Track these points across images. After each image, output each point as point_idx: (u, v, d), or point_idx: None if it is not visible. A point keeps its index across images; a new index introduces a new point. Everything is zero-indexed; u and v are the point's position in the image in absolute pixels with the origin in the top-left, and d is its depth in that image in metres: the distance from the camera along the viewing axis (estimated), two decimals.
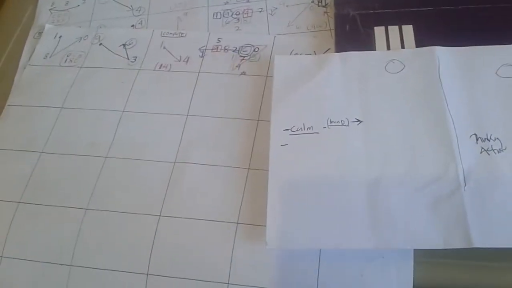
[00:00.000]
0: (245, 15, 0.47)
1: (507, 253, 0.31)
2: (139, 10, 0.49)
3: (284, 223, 0.33)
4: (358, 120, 0.36)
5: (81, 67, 0.45)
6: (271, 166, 0.35)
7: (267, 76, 0.41)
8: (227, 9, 0.47)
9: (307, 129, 0.36)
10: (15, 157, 0.40)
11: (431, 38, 0.39)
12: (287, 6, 0.46)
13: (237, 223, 0.34)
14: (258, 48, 0.44)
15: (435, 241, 0.31)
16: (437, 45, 0.38)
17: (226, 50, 0.44)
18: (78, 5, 0.51)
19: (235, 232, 0.34)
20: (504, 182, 0.32)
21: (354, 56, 0.39)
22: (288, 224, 0.33)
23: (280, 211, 0.33)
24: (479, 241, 0.30)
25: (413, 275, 0.31)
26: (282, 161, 0.35)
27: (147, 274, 0.34)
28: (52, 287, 0.34)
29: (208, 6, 0.48)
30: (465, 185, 0.32)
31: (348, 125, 0.36)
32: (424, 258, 0.32)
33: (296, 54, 0.43)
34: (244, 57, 0.43)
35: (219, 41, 0.45)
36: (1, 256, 0.36)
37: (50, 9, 0.51)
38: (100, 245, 0.35)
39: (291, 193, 0.34)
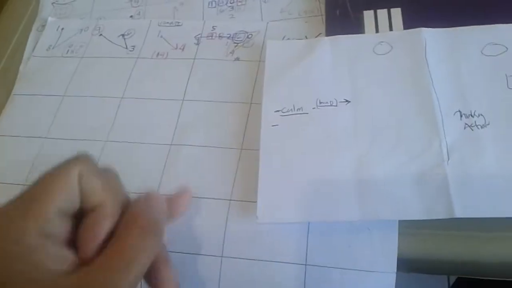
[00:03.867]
0: (239, 3, 0.48)
1: (490, 223, 0.32)
2: (137, 1, 0.51)
3: (274, 198, 0.34)
4: (346, 100, 0.37)
5: (82, 57, 0.47)
6: (262, 145, 0.36)
7: (259, 61, 0.43)
8: None
9: (297, 110, 0.38)
10: (21, 142, 0.42)
11: (419, 20, 0.40)
12: None
13: (230, 200, 0.36)
14: (252, 35, 0.45)
15: (418, 213, 0.32)
16: (424, 27, 0.39)
17: (220, 37, 0.46)
18: None
19: (228, 208, 0.35)
20: (486, 156, 0.33)
21: (344, 39, 0.41)
22: (278, 199, 0.34)
23: (270, 187, 0.34)
24: (461, 212, 0.31)
25: (398, 246, 0.32)
26: (273, 140, 0.36)
27: None
28: None
29: None
30: (449, 159, 0.34)
31: (336, 105, 0.37)
32: (409, 229, 0.33)
33: (288, 39, 0.44)
34: (238, 43, 0.45)
35: (214, 28, 0.46)
36: None
37: (52, 3, 0.53)
38: None
39: (281, 170, 0.35)
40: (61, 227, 0.26)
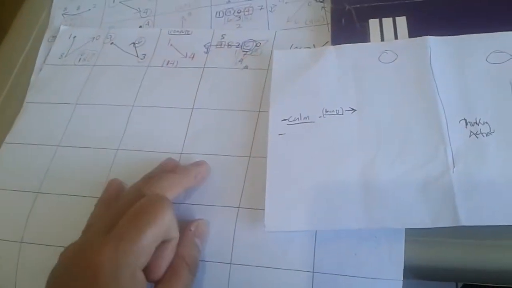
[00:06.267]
0: (246, 13, 0.49)
1: (497, 231, 0.32)
2: (146, 12, 0.52)
3: (281, 207, 0.35)
4: (352, 109, 0.38)
5: (94, 65, 0.48)
6: (269, 154, 0.37)
7: (268, 69, 0.43)
8: (229, 8, 0.49)
9: (304, 118, 0.38)
10: (34, 150, 0.43)
11: (424, 29, 0.41)
12: (286, 3, 0.48)
13: (238, 207, 0.36)
14: (260, 43, 0.46)
15: (424, 221, 0.32)
16: (430, 35, 0.40)
17: (229, 46, 0.46)
18: (89, 9, 0.54)
19: (237, 216, 0.36)
20: (491, 163, 0.34)
21: (349, 48, 0.41)
22: (285, 208, 0.35)
23: (278, 196, 0.35)
24: (466, 220, 0.32)
25: (404, 254, 0.33)
26: (280, 149, 0.37)
27: None
28: None
29: (211, 6, 0.50)
30: (454, 167, 0.34)
31: (342, 114, 0.38)
32: (416, 237, 0.33)
33: (296, 47, 0.45)
34: (247, 52, 0.45)
35: (223, 37, 0.47)
36: (21, 242, 0.39)
37: (63, 14, 0.54)
38: None
39: (288, 179, 0.36)
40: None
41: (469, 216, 0.32)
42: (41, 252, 0.38)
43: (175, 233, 0.32)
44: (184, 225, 0.34)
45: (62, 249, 0.37)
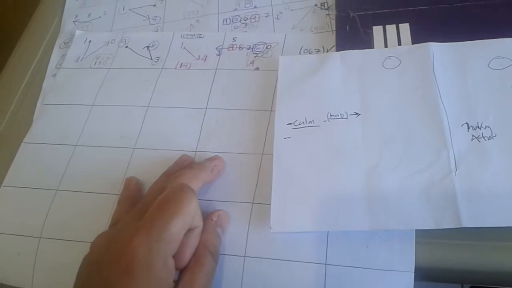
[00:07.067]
0: (252, 20, 0.50)
1: (503, 233, 0.33)
2: (155, 19, 0.53)
3: (287, 208, 0.36)
4: (356, 113, 0.39)
5: (109, 68, 0.49)
6: (275, 157, 0.38)
7: (278, 70, 0.45)
8: (236, 15, 0.51)
9: (309, 122, 0.39)
10: (53, 150, 0.44)
11: (427, 35, 0.41)
12: (291, 10, 0.50)
13: (252, 203, 0.37)
14: (271, 46, 0.47)
15: (426, 222, 0.33)
16: (432, 41, 0.41)
17: (240, 48, 0.48)
18: (99, 17, 0.55)
19: (251, 211, 0.37)
20: (493, 167, 0.34)
21: (353, 54, 0.42)
22: (291, 209, 0.35)
23: (283, 198, 0.36)
24: (468, 222, 0.32)
25: (415, 246, 0.34)
26: (286, 152, 0.38)
27: None
28: None
29: (218, 13, 0.52)
30: (456, 170, 0.35)
31: (347, 118, 0.39)
32: (424, 238, 0.34)
33: (306, 49, 0.46)
34: (258, 54, 0.47)
35: (234, 40, 0.48)
36: (40, 237, 0.40)
37: (74, 21, 0.56)
38: None
39: (294, 182, 0.37)
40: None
41: (471, 218, 0.33)
42: (59, 247, 0.39)
43: (199, 222, 0.33)
44: (205, 215, 0.35)
45: (79, 244, 0.39)
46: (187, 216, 0.31)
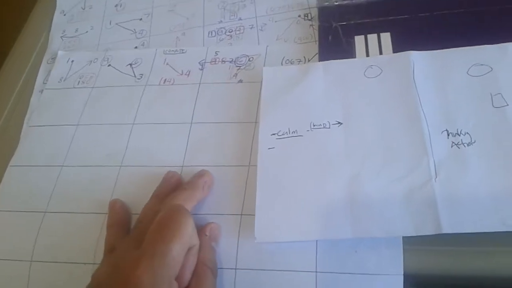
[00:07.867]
0: (237, 32, 0.51)
1: (491, 239, 0.33)
2: (141, 33, 0.54)
3: (271, 219, 0.36)
4: (339, 122, 0.39)
5: (93, 87, 0.49)
6: (259, 168, 0.38)
7: (261, 82, 0.45)
8: (221, 28, 0.52)
9: (292, 132, 0.40)
10: (39, 172, 0.44)
11: (408, 43, 0.42)
12: (275, 21, 0.50)
13: (241, 214, 0.38)
14: (253, 58, 0.48)
15: (407, 229, 0.33)
16: (413, 50, 0.41)
17: (223, 62, 0.48)
18: (87, 31, 0.56)
19: (240, 223, 0.37)
20: (472, 173, 0.35)
21: (336, 64, 0.43)
22: (275, 219, 0.36)
23: (268, 208, 0.36)
24: (448, 228, 0.33)
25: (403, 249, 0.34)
26: (270, 163, 0.38)
27: None
28: (78, 284, 0.38)
29: (203, 26, 0.52)
30: (436, 176, 0.35)
31: (329, 127, 0.39)
32: (412, 246, 0.34)
33: (287, 60, 0.46)
34: (240, 66, 0.47)
35: (217, 54, 0.49)
36: (31, 261, 0.40)
37: (61, 36, 0.56)
38: None
39: (278, 192, 0.37)
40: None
41: (451, 224, 0.33)
42: (51, 269, 0.39)
43: (196, 240, 0.34)
44: (197, 230, 0.35)
45: (70, 265, 0.39)
46: (186, 238, 0.32)
